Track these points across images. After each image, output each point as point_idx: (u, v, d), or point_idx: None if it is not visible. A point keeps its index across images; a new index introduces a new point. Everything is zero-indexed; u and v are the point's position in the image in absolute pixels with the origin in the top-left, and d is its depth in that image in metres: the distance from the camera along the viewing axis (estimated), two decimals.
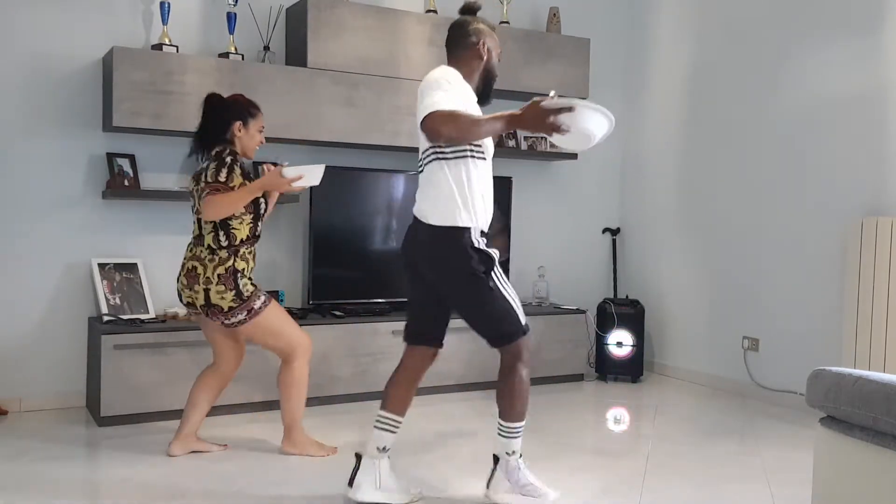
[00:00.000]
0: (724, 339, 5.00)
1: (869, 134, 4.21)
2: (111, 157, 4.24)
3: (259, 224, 3.40)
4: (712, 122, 5.14)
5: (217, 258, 3.30)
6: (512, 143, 5.32)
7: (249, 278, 3.38)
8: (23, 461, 3.37)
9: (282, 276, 4.74)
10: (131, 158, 4.28)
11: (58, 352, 4.21)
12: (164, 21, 4.23)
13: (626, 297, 5.44)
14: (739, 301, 4.90)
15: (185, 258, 3.38)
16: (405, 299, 3.12)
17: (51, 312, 4.20)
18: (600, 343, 5.23)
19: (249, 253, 3.39)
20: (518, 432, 2.93)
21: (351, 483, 2.93)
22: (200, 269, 3.30)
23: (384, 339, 4.51)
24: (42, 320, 4.18)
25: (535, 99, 2.72)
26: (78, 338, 4.25)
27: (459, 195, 2.82)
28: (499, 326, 2.87)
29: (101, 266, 4.22)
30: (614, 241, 5.75)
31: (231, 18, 4.37)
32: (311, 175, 3.35)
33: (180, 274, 3.38)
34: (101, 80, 4.24)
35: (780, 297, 4.66)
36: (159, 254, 4.41)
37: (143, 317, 4.15)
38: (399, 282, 4.89)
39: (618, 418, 4.39)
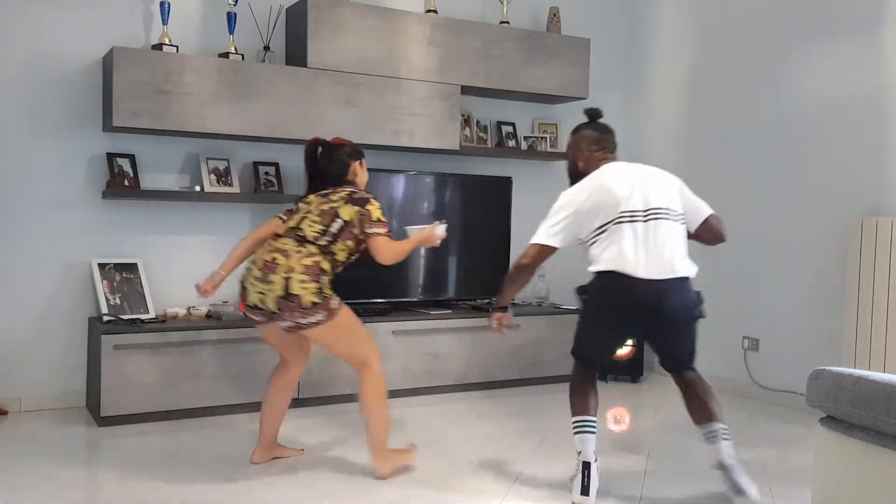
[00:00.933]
0: (724, 339, 5.00)
1: (869, 134, 4.21)
2: (111, 157, 4.24)
3: (351, 259, 3.30)
4: (712, 122, 5.14)
5: (306, 250, 3.13)
6: (512, 143, 5.32)
7: (330, 285, 3.19)
8: (23, 461, 3.37)
9: None
10: (131, 158, 4.28)
11: (58, 352, 4.21)
12: (164, 21, 4.23)
13: None
14: (739, 301, 4.90)
15: (257, 257, 3.19)
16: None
17: (51, 312, 4.20)
18: None
19: (333, 267, 3.22)
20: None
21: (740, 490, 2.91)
22: (282, 259, 3.09)
23: (384, 339, 4.51)
24: (42, 320, 4.18)
25: None
26: (78, 338, 4.25)
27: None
28: (695, 349, 3.20)
29: (101, 266, 4.22)
30: None
31: (231, 18, 4.37)
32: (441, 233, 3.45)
33: (250, 271, 3.16)
34: (101, 80, 4.24)
35: (780, 297, 4.66)
36: (159, 254, 4.42)
37: (143, 317, 4.15)
38: (398, 281, 4.91)
39: (618, 418, 4.39)
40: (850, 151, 4.30)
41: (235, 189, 4.48)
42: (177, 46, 4.25)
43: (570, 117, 5.62)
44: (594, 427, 3.08)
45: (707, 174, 5.15)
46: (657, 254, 3.02)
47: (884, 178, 4.14)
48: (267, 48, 4.53)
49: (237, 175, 4.52)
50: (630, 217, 3.04)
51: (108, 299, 4.16)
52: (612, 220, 3.06)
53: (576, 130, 3.38)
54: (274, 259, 3.10)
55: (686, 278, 3.08)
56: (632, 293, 3.00)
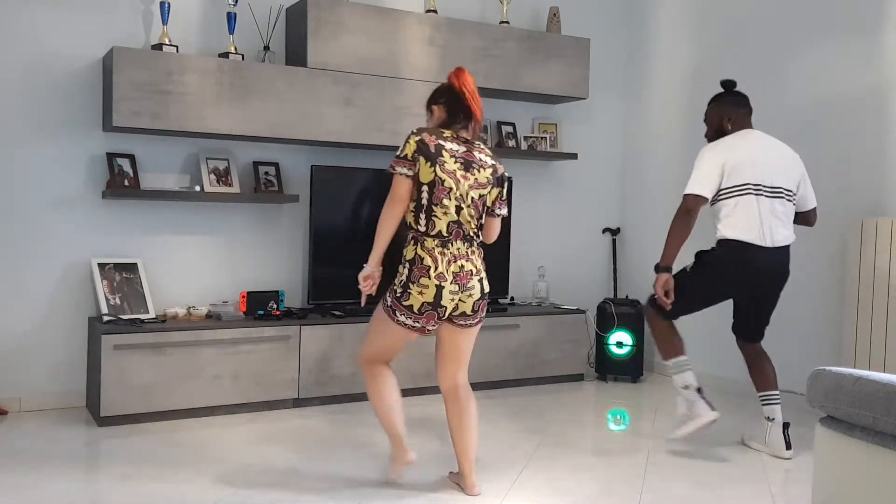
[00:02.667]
0: (724, 339, 4.99)
1: (869, 134, 4.21)
2: (111, 157, 4.24)
3: None
4: None
5: (476, 248, 3.03)
6: (512, 143, 5.32)
7: None
8: (23, 461, 3.37)
9: (282, 276, 4.74)
10: (131, 158, 4.28)
11: (58, 352, 4.21)
12: (164, 21, 4.23)
13: (626, 297, 5.44)
14: None
15: (436, 269, 2.91)
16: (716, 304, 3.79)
17: (51, 312, 4.20)
18: (600, 343, 5.23)
19: None
20: None
21: (790, 446, 3.63)
22: (469, 265, 2.97)
23: None
24: (42, 320, 4.18)
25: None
26: (78, 338, 4.25)
27: None
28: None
29: (101, 266, 4.22)
30: (614, 241, 5.75)
31: (231, 18, 4.37)
32: None
33: (444, 287, 2.91)
34: (101, 80, 4.24)
35: (781, 298, 4.64)
36: (159, 254, 4.42)
37: (143, 317, 4.15)
38: None
39: (618, 419, 4.39)
40: (850, 151, 4.30)
41: (235, 189, 4.48)
42: (177, 46, 4.25)
43: (570, 117, 5.63)
44: (689, 363, 3.67)
45: None
46: (778, 227, 3.55)
47: (884, 178, 4.14)
48: (267, 48, 4.53)
49: (237, 175, 4.52)
50: (764, 191, 3.53)
51: (108, 299, 4.16)
52: (746, 186, 3.53)
53: (717, 98, 3.79)
54: (462, 267, 2.95)
55: (790, 244, 3.64)
56: (755, 260, 3.52)
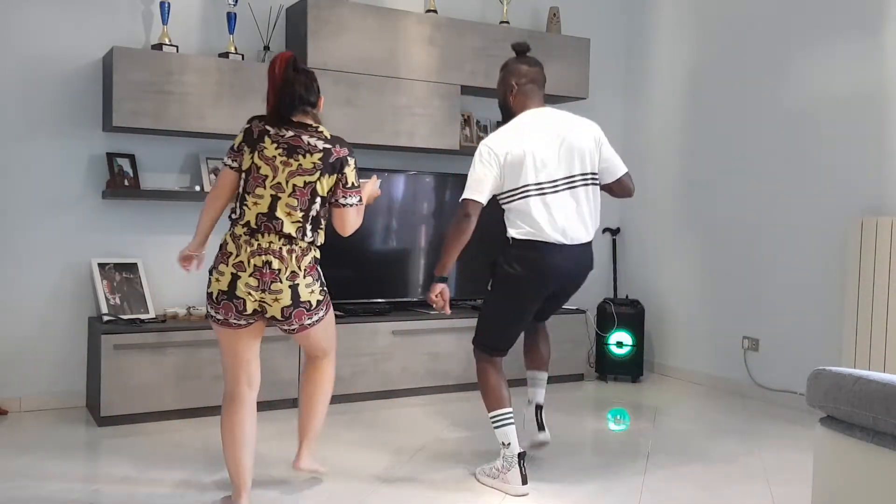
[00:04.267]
0: (724, 339, 5.00)
1: (869, 134, 4.21)
2: (111, 157, 4.24)
3: None
4: (712, 121, 5.14)
5: (298, 248, 2.77)
6: None
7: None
8: (23, 461, 3.37)
9: None
10: (131, 158, 4.29)
11: (58, 352, 4.21)
12: (164, 21, 4.23)
13: (626, 297, 5.44)
14: (739, 301, 4.90)
15: (236, 256, 2.74)
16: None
17: (51, 312, 4.19)
18: (600, 343, 5.23)
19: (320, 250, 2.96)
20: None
21: (543, 427, 3.44)
22: (278, 263, 2.72)
23: (384, 339, 4.51)
24: (42, 320, 4.18)
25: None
26: (78, 338, 4.25)
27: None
28: None
29: (101, 266, 4.22)
30: (614, 241, 5.75)
31: (231, 18, 4.37)
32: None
33: (240, 277, 2.72)
34: (101, 80, 4.24)
35: (780, 297, 4.66)
36: (159, 254, 4.41)
37: (143, 317, 4.15)
38: (398, 281, 4.91)
39: (618, 419, 4.39)
40: (850, 151, 4.30)
41: None
42: (177, 46, 4.25)
43: None
44: (513, 417, 3.23)
45: (707, 174, 5.16)
46: (575, 221, 3.21)
47: (884, 178, 4.14)
48: (267, 48, 4.53)
49: None
50: (548, 189, 3.17)
51: (108, 299, 4.16)
52: (527, 188, 3.16)
53: (505, 66, 3.37)
54: (268, 263, 2.72)
55: (590, 243, 3.31)
56: (548, 259, 3.17)
